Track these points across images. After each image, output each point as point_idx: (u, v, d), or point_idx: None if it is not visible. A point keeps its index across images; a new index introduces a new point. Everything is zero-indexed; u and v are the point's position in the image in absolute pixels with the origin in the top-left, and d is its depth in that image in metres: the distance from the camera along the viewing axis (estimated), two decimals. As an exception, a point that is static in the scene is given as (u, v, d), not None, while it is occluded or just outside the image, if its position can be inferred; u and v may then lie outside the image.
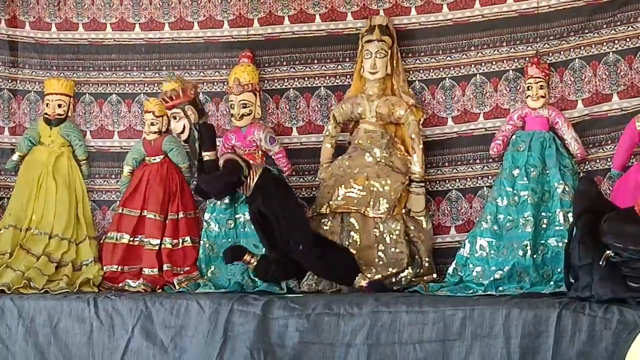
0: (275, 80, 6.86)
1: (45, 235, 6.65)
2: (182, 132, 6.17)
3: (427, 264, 6.30)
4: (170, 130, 6.84)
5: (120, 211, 6.72)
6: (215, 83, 6.96)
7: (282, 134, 6.79)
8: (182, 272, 6.45)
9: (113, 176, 7.06)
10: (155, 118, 6.80)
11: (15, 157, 6.99)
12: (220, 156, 6.21)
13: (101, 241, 6.79)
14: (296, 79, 6.82)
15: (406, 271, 6.17)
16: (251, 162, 6.25)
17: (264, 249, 6.16)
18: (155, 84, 7.05)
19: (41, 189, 6.81)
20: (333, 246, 6.15)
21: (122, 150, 7.03)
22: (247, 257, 6.12)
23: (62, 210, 6.75)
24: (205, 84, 6.96)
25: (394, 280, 6.15)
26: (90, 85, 7.15)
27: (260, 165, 6.25)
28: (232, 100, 6.60)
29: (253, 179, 6.08)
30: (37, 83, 7.17)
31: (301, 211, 6.19)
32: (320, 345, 5.31)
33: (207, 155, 6.17)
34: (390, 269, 6.16)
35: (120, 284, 6.46)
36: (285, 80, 6.85)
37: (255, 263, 6.11)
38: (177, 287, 6.25)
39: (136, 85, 7.09)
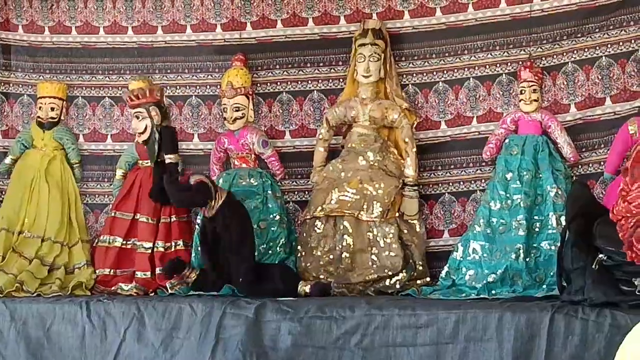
0: (268, 84, 6.86)
1: (37, 238, 6.64)
2: (143, 132, 6.28)
3: (420, 268, 6.29)
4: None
5: (112, 214, 6.72)
6: (208, 86, 6.95)
7: (275, 138, 6.80)
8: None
9: (106, 179, 7.05)
10: (148, 121, 6.81)
11: (7, 160, 6.98)
12: (192, 174, 6.23)
13: (94, 244, 6.78)
14: (289, 83, 6.82)
15: (400, 275, 6.17)
16: (216, 183, 6.27)
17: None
18: (149, 88, 7.05)
19: (34, 192, 6.80)
20: (267, 268, 6.20)
21: (115, 153, 7.02)
22: (186, 272, 6.17)
23: (54, 214, 6.74)
24: (197, 87, 6.96)
25: (387, 283, 6.14)
26: (83, 88, 7.14)
27: (225, 190, 6.23)
28: (225, 104, 6.60)
29: (217, 202, 6.08)
30: (29, 86, 7.16)
31: (252, 242, 6.16)
32: (313, 349, 5.30)
33: (169, 158, 6.34)
34: (384, 273, 6.15)
35: (113, 288, 6.45)
36: (278, 83, 6.85)
37: (194, 277, 6.18)
38: (170, 290, 6.24)
39: (129, 88, 7.06)
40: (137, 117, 6.24)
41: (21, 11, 7.21)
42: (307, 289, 5.99)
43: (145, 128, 6.24)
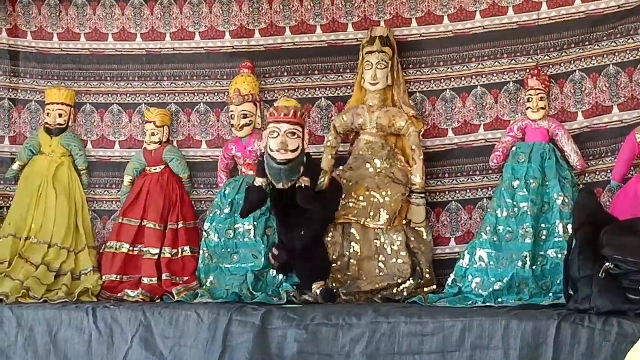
0: (276, 91, 6.86)
1: (44, 244, 6.65)
2: (294, 150, 6.00)
3: (427, 275, 6.28)
4: (171, 141, 6.88)
5: (120, 220, 6.74)
6: (216, 93, 6.96)
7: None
8: (180, 282, 6.45)
9: (113, 186, 7.05)
10: (156, 128, 6.83)
11: (15, 166, 6.99)
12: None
13: (101, 250, 6.79)
14: (296, 90, 6.82)
15: (408, 282, 6.17)
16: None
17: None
18: (157, 94, 7.06)
19: (41, 198, 6.81)
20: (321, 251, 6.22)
21: (123, 160, 7.03)
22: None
23: (61, 220, 6.75)
24: (205, 94, 6.97)
25: (395, 291, 6.14)
26: (91, 95, 7.15)
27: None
28: (232, 111, 6.62)
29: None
30: (38, 92, 7.17)
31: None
32: (319, 356, 5.30)
33: (305, 182, 6.04)
34: (392, 280, 6.14)
35: (119, 294, 6.45)
36: (286, 90, 6.85)
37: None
38: (176, 297, 6.24)
39: (137, 95, 7.10)
40: (293, 134, 5.94)
41: (30, 18, 7.23)
42: (318, 290, 5.98)
43: (297, 148, 6.09)
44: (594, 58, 6.20)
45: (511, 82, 6.45)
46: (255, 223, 6.39)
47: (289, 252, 6.10)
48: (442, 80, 6.62)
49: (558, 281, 5.58)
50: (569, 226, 5.70)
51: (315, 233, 6.15)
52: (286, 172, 5.99)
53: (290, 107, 6.04)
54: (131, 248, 6.65)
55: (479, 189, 6.48)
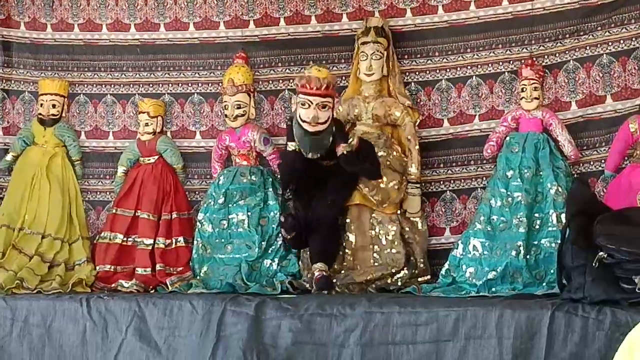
0: (270, 82, 6.86)
1: (38, 235, 6.65)
2: (325, 122, 6.02)
3: (422, 265, 6.29)
4: (165, 131, 6.87)
5: (114, 211, 6.74)
6: (210, 84, 6.95)
7: (276, 135, 6.78)
8: (175, 272, 6.46)
9: (107, 177, 7.05)
10: (150, 119, 6.82)
11: (8, 157, 6.98)
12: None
13: (95, 241, 6.79)
14: (291, 80, 6.79)
15: (402, 272, 6.17)
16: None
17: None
18: (151, 85, 7.05)
19: (34, 189, 6.80)
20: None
21: (117, 150, 7.02)
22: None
23: (55, 211, 6.74)
24: (199, 84, 6.96)
25: (389, 281, 6.14)
26: (85, 85, 7.14)
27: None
28: (226, 101, 6.61)
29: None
30: (31, 83, 7.16)
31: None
32: (313, 346, 5.29)
33: (344, 148, 6.08)
34: (386, 270, 6.15)
35: (113, 284, 6.46)
36: (280, 81, 6.85)
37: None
38: (170, 288, 6.25)
39: (131, 85, 7.09)
40: (324, 107, 5.97)
41: (23, 8, 7.21)
42: (316, 272, 5.96)
43: (327, 119, 6.03)
44: (588, 48, 6.19)
45: (506, 73, 6.45)
46: (249, 213, 6.41)
47: (307, 225, 6.06)
48: (438, 71, 6.62)
49: (552, 271, 5.58)
50: (563, 216, 5.70)
51: (343, 202, 6.16)
52: (316, 142, 6.03)
53: (323, 79, 6.04)
54: (125, 239, 6.66)
55: (474, 179, 6.48)
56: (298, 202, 6.15)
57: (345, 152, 6.06)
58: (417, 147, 6.42)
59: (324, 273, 5.97)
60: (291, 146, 6.11)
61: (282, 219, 6.11)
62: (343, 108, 6.53)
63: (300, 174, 6.15)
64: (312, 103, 5.98)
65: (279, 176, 6.50)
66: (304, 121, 6.02)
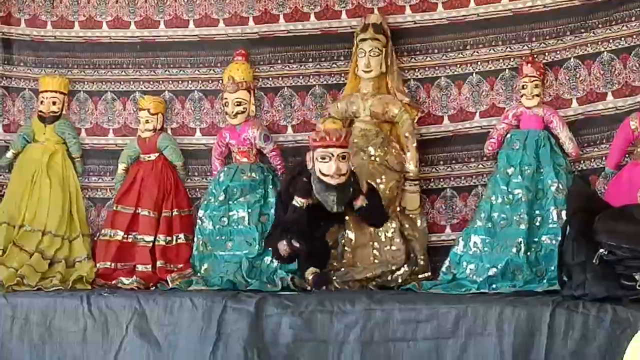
0: (270, 79, 6.85)
1: (38, 232, 6.63)
2: (345, 174, 5.91)
3: (422, 262, 6.29)
4: (165, 129, 6.87)
5: (114, 208, 6.73)
6: (210, 81, 6.94)
7: (276, 133, 6.79)
8: (175, 269, 6.46)
9: (108, 174, 7.04)
10: (150, 116, 6.81)
11: (9, 154, 6.97)
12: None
13: (95, 238, 6.79)
14: (291, 78, 6.81)
15: (402, 269, 6.17)
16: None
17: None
18: (151, 82, 7.04)
19: (35, 186, 6.79)
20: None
21: (117, 148, 7.01)
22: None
23: (55, 208, 6.73)
24: (200, 82, 6.96)
25: (389, 278, 6.14)
26: (85, 83, 7.13)
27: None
28: (226, 99, 6.61)
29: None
30: (31, 81, 7.14)
31: None
32: (314, 343, 5.31)
33: (363, 201, 6.05)
34: (387, 267, 6.15)
35: (114, 281, 6.46)
36: (280, 78, 6.84)
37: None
38: (170, 285, 6.25)
39: (131, 83, 7.07)
40: (343, 158, 5.87)
41: (23, 5, 7.20)
42: (310, 277, 5.97)
43: (347, 171, 5.91)
44: (588, 45, 6.20)
45: (507, 70, 6.45)
46: (249, 210, 6.41)
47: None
48: (437, 68, 6.62)
49: (552, 268, 5.58)
50: (564, 213, 5.71)
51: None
52: (341, 196, 5.93)
53: (340, 130, 6.03)
54: (126, 236, 6.64)
55: (474, 176, 6.48)
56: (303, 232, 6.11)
57: (365, 205, 6.04)
58: (415, 144, 6.42)
59: (318, 272, 5.98)
60: (300, 203, 6.00)
61: (294, 247, 6.06)
62: (341, 105, 6.53)
63: (303, 230, 6.07)
64: (333, 155, 5.87)
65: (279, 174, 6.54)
66: (326, 175, 5.90)
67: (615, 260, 5.02)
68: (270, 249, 6.23)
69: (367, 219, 6.16)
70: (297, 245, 6.00)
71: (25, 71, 7.18)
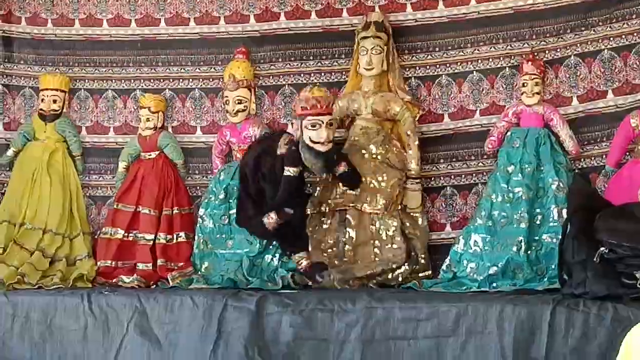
0: (271, 77, 6.85)
1: (39, 230, 6.64)
2: (332, 140, 6.04)
3: (422, 261, 6.29)
4: (166, 127, 6.87)
5: (115, 206, 6.74)
6: (211, 79, 6.94)
7: (277, 131, 6.78)
8: (176, 268, 6.46)
9: (108, 172, 7.04)
10: (151, 114, 6.82)
11: (9, 152, 6.98)
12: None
13: (96, 236, 6.79)
14: (292, 75, 6.81)
15: (403, 267, 6.17)
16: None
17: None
18: (151, 80, 7.04)
19: (35, 184, 6.80)
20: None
21: (118, 146, 7.02)
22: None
23: (56, 206, 6.74)
24: (200, 80, 6.96)
25: (390, 276, 6.14)
26: (86, 81, 7.13)
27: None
28: (227, 96, 6.61)
29: None
30: (32, 79, 7.15)
31: None
32: (315, 341, 5.32)
33: (345, 166, 6.18)
34: (388, 266, 6.14)
35: (114, 280, 6.46)
36: (281, 76, 6.84)
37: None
38: (171, 283, 6.26)
39: (132, 81, 7.08)
40: (331, 125, 6.00)
41: (24, 3, 7.20)
42: (305, 263, 5.97)
43: (328, 137, 6.01)
44: (589, 43, 6.19)
45: (507, 68, 6.44)
46: (250, 209, 6.41)
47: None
48: (438, 66, 6.61)
49: (553, 266, 5.58)
50: (564, 211, 5.71)
51: None
52: (329, 162, 6.05)
53: (328, 97, 6.10)
54: (126, 234, 6.65)
55: (474, 174, 6.47)
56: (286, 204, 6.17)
57: (347, 170, 6.13)
58: (417, 142, 6.42)
59: (309, 257, 6.04)
60: (293, 172, 6.07)
61: (286, 214, 6.11)
62: (342, 103, 6.53)
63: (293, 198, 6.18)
64: (322, 123, 5.98)
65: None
66: (316, 142, 5.99)
67: (615, 258, 5.02)
68: (246, 227, 6.24)
69: (349, 182, 6.23)
70: (291, 212, 6.08)
71: (26, 69, 7.18)
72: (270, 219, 6.08)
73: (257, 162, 6.22)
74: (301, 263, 6.02)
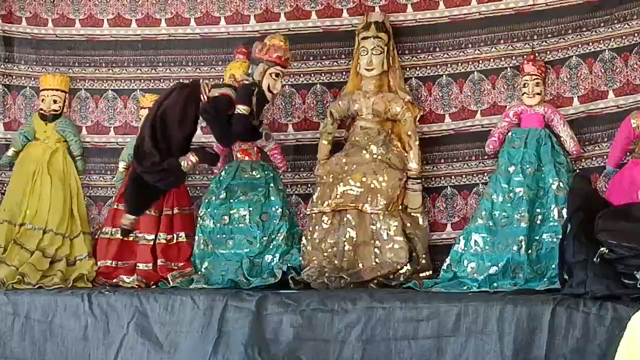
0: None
1: (39, 230, 6.65)
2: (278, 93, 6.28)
3: (423, 261, 6.29)
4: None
5: (115, 206, 6.74)
6: (211, 79, 6.93)
7: (277, 131, 6.80)
8: (176, 268, 6.47)
9: (108, 172, 7.05)
10: (151, 114, 6.81)
11: (10, 152, 6.98)
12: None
13: (96, 237, 6.79)
14: (292, 76, 6.81)
15: (405, 268, 6.16)
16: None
17: None
18: (152, 80, 7.05)
19: (36, 184, 6.81)
20: None
21: (118, 146, 7.03)
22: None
23: (56, 206, 6.75)
24: (201, 80, 6.94)
25: (391, 276, 6.14)
26: (86, 81, 7.15)
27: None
28: (227, 96, 6.61)
29: None
30: (32, 78, 7.16)
31: None
32: (315, 342, 5.31)
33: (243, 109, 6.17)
34: (391, 267, 6.14)
35: (115, 280, 6.47)
36: (280, 76, 6.82)
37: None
38: (171, 283, 6.26)
39: (132, 81, 7.10)
40: (280, 76, 6.21)
41: (24, 3, 7.21)
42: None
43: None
44: (590, 44, 6.20)
45: (509, 68, 6.45)
46: (250, 209, 6.41)
47: None
48: (439, 66, 6.63)
49: (553, 266, 5.59)
50: (564, 211, 5.71)
51: None
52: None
53: (286, 51, 6.19)
54: (126, 234, 6.66)
55: (475, 175, 6.48)
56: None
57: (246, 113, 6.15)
58: (417, 142, 6.43)
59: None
60: (243, 110, 6.08)
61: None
62: (343, 103, 6.54)
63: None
64: (282, 74, 6.17)
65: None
66: (270, 91, 6.15)
67: (615, 258, 5.01)
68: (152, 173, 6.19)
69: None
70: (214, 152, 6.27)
71: (26, 69, 7.19)
72: (189, 162, 6.15)
73: (184, 110, 6.22)
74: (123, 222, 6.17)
